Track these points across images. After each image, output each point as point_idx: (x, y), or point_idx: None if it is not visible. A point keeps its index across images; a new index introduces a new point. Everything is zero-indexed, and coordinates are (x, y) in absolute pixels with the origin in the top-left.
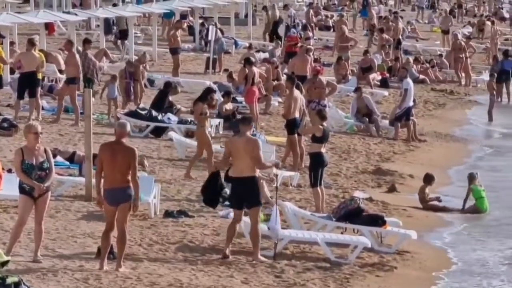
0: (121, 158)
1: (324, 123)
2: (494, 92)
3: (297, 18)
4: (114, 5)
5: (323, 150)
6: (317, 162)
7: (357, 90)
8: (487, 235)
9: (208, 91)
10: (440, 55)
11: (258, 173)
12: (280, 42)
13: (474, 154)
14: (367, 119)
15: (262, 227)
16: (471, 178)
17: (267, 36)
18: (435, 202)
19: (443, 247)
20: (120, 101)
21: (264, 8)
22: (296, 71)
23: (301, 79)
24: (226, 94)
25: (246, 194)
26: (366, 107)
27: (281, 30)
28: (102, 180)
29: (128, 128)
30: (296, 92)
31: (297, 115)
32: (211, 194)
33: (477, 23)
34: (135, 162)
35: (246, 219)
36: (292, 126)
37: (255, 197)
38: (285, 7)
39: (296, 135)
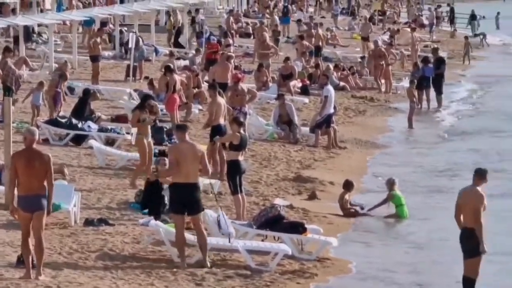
0: (39, 164)
1: (242, 130)
2: (415, 99)
3: (205, 24)
4: (13, 10)
5: (240, 157)
6: (234, 169)
7: (280, 97)
8: (399, 240)
9: (145, 98)
10: (360, 62)
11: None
12: (201, 49)
13: (390, 161)
14: (288, 127)
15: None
16: (391, 183)
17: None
18: (356, 208)
19: (352, 254)
20: (46, 110)
21: (167, 13)
22: (217, 78)
23: (222, 87)
24: None
25: (191, 201)
26: (288, 114)
27: (183, 37)
28: (16, 189)
29: (37, 134)
30: (220, 99)
31: (221, 121)
32: (157, 203)
33: (390, 31)
34: (51, 168)
35: (166, 228)
36: (216, 132)
37: (198, 203)
38: (192, 12)
39: None
